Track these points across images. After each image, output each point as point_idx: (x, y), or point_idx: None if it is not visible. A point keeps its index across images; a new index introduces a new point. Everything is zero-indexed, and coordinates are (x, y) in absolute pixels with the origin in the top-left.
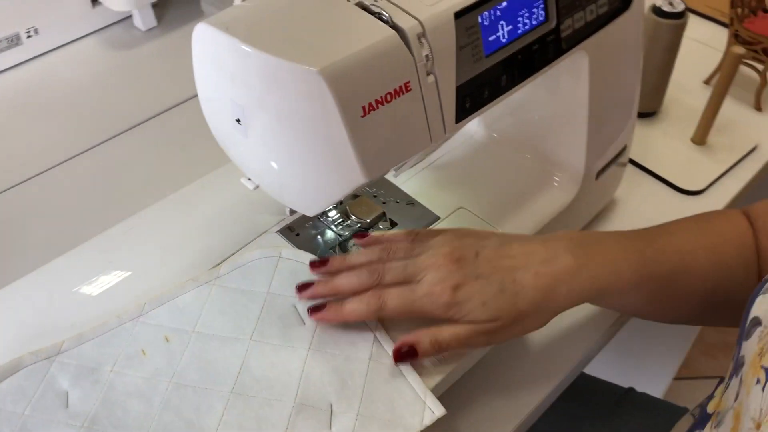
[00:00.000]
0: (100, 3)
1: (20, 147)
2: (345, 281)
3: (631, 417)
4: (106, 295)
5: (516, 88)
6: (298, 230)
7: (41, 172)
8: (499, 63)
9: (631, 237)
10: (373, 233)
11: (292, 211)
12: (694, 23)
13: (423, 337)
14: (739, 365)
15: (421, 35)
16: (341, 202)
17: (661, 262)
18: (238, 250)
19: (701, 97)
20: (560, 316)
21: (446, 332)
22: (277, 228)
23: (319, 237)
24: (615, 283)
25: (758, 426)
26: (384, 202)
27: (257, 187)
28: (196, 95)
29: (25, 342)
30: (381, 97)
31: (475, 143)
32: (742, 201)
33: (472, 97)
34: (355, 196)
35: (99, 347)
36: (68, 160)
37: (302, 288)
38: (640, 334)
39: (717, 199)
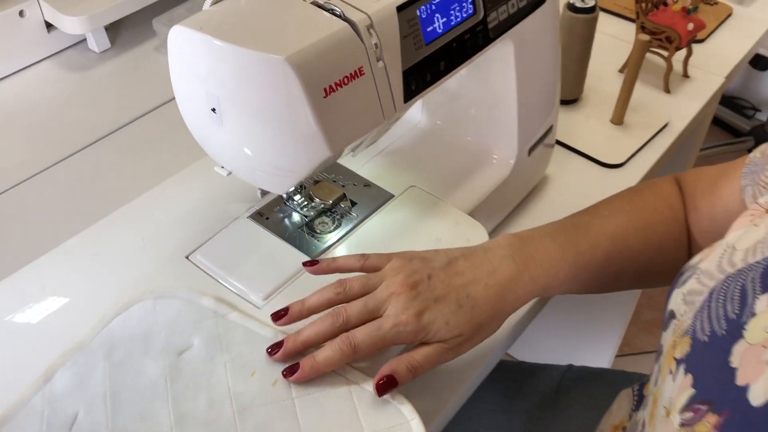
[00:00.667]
0: (55, 28)
1: None
2: (313, 333)
3: (576, 392)
4: (93, 283)
5: (454, 71)
6: (267, 215)
7: (8, 189)
8: (437, 50)
9: (567, 231)
10: (322, 260)
11: (264, 193)
12: (606, 20)
13: (398, 365)
14: (659, 353)
15: (370, 27)
16: (304, 187)
17: (595, 252)
18: (212, 236)
19: (617, 84)
20: None
21: (418, 355)
22: (248, 214)
23: (286, 220)
24: (554, 280)
25: (668, 413)
26: (343, 186)
27: (230, 173)
28: (151, 110)
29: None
30: (339, 80)
31: (421, 130)
32: (658, 171)
33: (417, 80)
34: (316, 181)
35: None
36: (33, 176)
37: (273, 349)
38: (576, 317)
39: (635, 171)
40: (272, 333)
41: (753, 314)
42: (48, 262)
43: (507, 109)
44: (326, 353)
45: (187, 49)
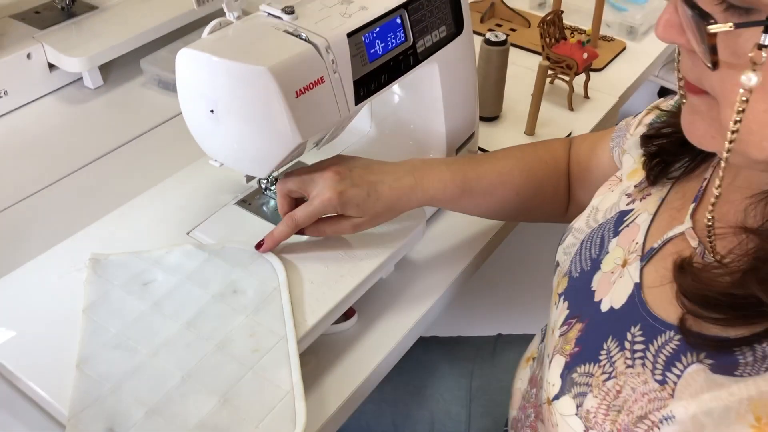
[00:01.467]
0: (56, 68)
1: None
2: (278, 229)
3: (508, 351)
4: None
5: (392, 84)
6: (250, 201)
7: (22, 200)
8: (379, 67)
9: (461, 162)
10: (265, 239)
11: (249, 179)
12: (519, 55)
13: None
14: (552, 294)
15: (328, 47)
16: (276, 180)
17: (480, 180)
18: (206, 218)
19: (528, 104)
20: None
21: (299, 212)
22: (234, 201)
23: (264, 207)
24: (442, 195)
25: (552, 331)
26: None
27: (222, 164)
28: (138, 136)
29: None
30: (306, 86)
31: (371, 139)
32: None
33: (364, 88)
34: (287, 175)
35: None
36: (43, 188)
37: (259, 245)
38: (500, 298)
39: None
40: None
41: (607, 252)
42: (70, 245)
43: (437, 118)
44: (279, 229)
45: (191, 66)
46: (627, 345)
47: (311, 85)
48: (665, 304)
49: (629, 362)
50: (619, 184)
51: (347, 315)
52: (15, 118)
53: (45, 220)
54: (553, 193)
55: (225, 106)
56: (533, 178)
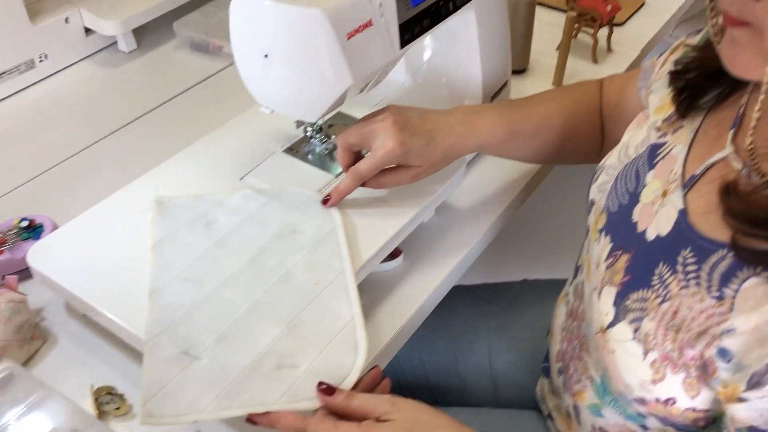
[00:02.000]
0: (92, 32)
1: (42, 143)
2: (343, 183)
3: (531, 300)
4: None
5: (434, 28)
6: (296, 149)
7: (63, 160)
8: (421, 11)
9: (507, 106)
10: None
11: (299, 124)
12: (545, 13)
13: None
14: (587, 231)
15: None
16: (322, 128)
17: (525, 123)
18: (258, 165)
19: (555, 58)
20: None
21: (362, 165)
22: (281, 150)
23: (310, 154)
24: (492, 139)
25: (597, 266)
26: None
27: (273, 111)
28: (173, 98)
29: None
30: (356, 28)
31: (407, 89)
32: None
33: (408, 32)
34: (330, 124)
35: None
36: (86, 148)
37: (325, 200)
38: (527, 241)
39: None
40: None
41: (645, 185)
42: (129, 192)
43: (472, 66)
44: (344, 183)
45: (246, 11)
46: (679, 268)
47: (361, 28)
48: (713, 226)
49: (683, 283)
50: (647, 120)
51: (394, 255)
52: (55, 82)
53: (93, 176)
54: (589, 134)
55: (279, 50)
56: (571, 120)
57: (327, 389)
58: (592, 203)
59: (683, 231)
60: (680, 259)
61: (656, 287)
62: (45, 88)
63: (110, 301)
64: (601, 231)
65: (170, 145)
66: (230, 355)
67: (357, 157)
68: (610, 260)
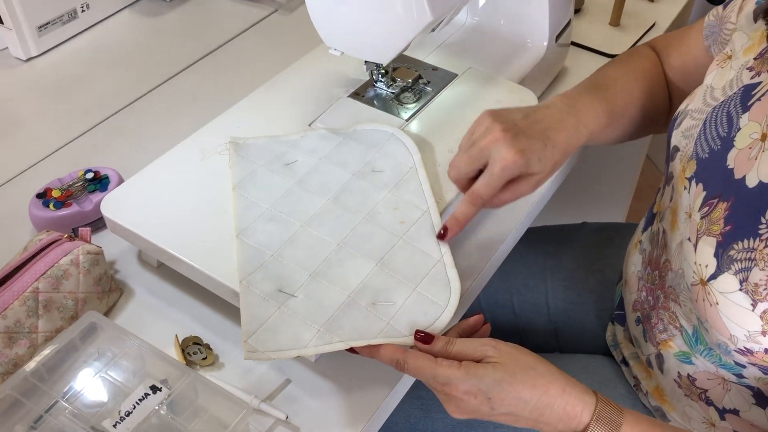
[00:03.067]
0: None
1: (92, 94)
2: (460, 209)
3: (589, 242)
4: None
5: None
6: (362, 93)
7: (121, 108)
8: None
9: (593, 89)
10: None
11: (369, 65)
12: None
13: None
14: (669, 178)
15: None
16: (387, 71)
17: (616, 102)
18: (323, 112)
19: None
20: None
21: (481, 186)
22: (347, 95)
23: (375, 99)
24: (598, 126)
25: (689, 215)
26: (416, 70)
27: (342, 53)
28: (216, 49)
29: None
30: None
31: (467, 28)
32: None
33: None
34: (395, 68)
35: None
36: (134, 101)
37: (442, 235)
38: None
39: None
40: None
41: (739, 129)
42: (197, 138)
43: (538, 3)
44: (461, 210)
45: None
46: None
47: None
48: None
49: None
50: (729, 60)
51: None
52: (99, 32)
53: (148, 127)
54: (664, 102)
55: None
56: (649, 91)
57: (424, 337)
58: (676, 149)
59: None
60: None
61: (765, 236)
62: (89, 38)
63: (189, 248)
64: (690, 179)
65: (222, 96)
66: (325, 291)
67: (473, 179)
68: (705, 209)
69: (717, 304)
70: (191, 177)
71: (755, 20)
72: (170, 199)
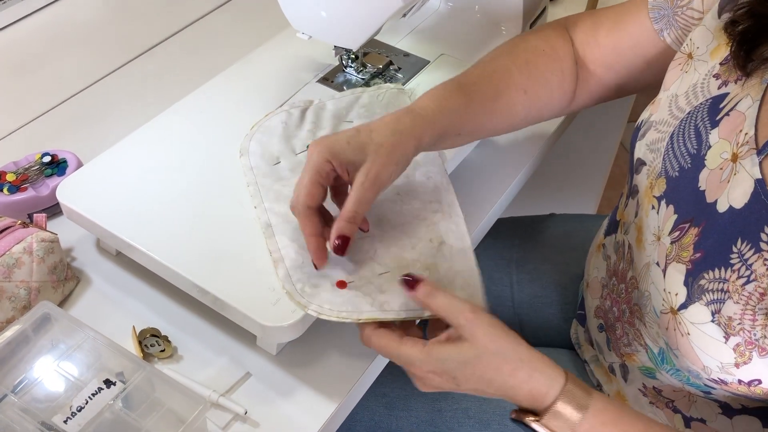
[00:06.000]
0: None
1: (53, 74)
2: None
3: (556, 234)
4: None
5: None
6: (331, 78)
7: (82, 89)
8: None
9: (449, 80)
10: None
11: (338, 52)
12: None
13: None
14: (634, 191)
15: None
16: (357, 57)
17: (478, 85)
18: (294, 94)
19: None
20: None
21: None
22: (315, 80)
23: (345, 85)
24: (447, 105)
25: (658, 238)
26: (387, 56)
27: (310, 37)
28: (185, 28)
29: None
30: None
31: (441, 14)
32: None
33: None
34: (365, 53)
35: None
36: (96, 81)
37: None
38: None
39: None
40: None
41: (710, 146)
42: (160, 122)
43: None
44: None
45: None
46: (764, 246)
47: None
48: None
49: None
50: (691, 61)
51: None
52: (60, 8)
53: (111, 109)
54: (560, 85)
55: None
56: (536, 72)
57: (411, 282)
58: (641, 162)
59: (764, 204)
60: (764, 237)
61: (737, 266)
62: (50, 15)
63: (148, 237)
64: (660, 198)
65: (187, 79)
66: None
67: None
68: (676, 234)
69: (689, 334)
70: (153, 163)
71: (719, 15)
72: (130, 185)
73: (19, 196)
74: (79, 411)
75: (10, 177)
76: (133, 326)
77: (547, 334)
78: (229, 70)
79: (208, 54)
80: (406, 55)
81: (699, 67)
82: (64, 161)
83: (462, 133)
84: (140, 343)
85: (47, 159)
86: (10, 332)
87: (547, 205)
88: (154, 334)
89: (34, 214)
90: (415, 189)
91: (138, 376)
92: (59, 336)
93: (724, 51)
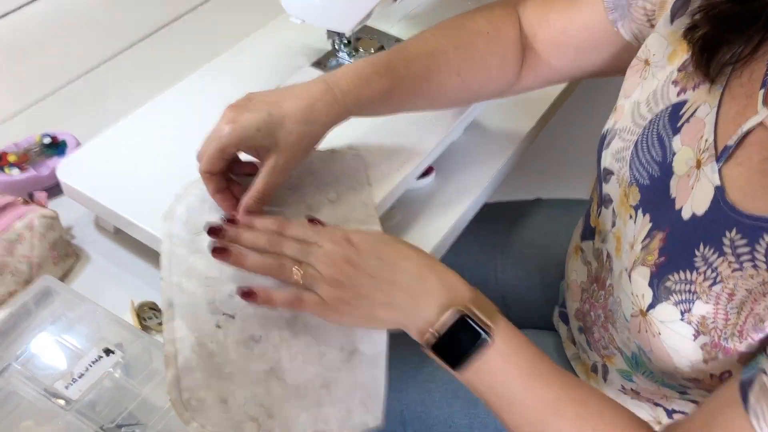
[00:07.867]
0: None
1: (54, 58)
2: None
3: (539, 219)
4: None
5: None
6: (324, 63)
7: (82, 74)
8: None
9: (381, 54)
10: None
11: (330, 35)
12: None
13: None
14: (606, 200)
15: None
16: (350, 41)
17: (410, 65)
18: (287, 78)
19: None
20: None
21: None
22: (309, 64)
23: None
24: (368, 92)
25: (632, 246)
26: (379, 41)
27: (303, 21)
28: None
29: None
30: None
31: (432, 0)
32: None
33: None
34: (357, 38)
35: None
36: (96, 66)
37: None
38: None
39: None
40: None
41: (674, 153)
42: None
43: None
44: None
45: None
46: (727, 250)
47: None
48: (758, 201)
49: (735, 266)
50: (648, 68)
51: (427, 173)
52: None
53: (110, 93)
54: (499, 67)
55: None
56: (474, 54)
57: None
58: (609, 172)
59: (723, 211)
60: (726, 241)
61: (702, 269)
62: (51, 1)
63: (145, 214)
64: (636, 208)
65: (183, 63)
66: None
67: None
68: (647, 240)
69: (660, 334)
70: (150, 143)
71: (672, 21)
72: (128, 164)
73: (20, 176)
74: (80, 377)
75: (11, 158)
76: (132, 300)
77: (531, 315)
78: (225, 55)
79: (206, 39)
80: (398, 41)
81: (657, 73)
82: (64, 142)
83: (381, 112)
84: (138, 315)
85: (47, 140)
86: (13, 305)
87: (539, 188)
88: (152, 307)
89: (35, 193)
90: None
91: (136, 346)
92: (60, 309)
93: (681, 56)
